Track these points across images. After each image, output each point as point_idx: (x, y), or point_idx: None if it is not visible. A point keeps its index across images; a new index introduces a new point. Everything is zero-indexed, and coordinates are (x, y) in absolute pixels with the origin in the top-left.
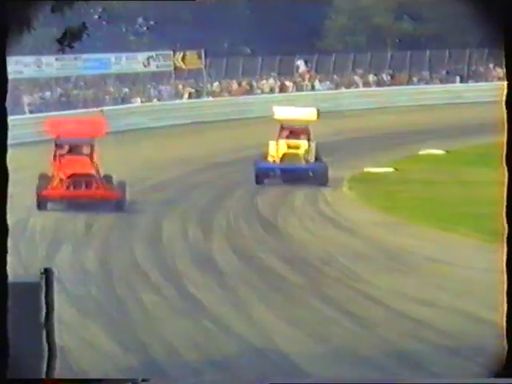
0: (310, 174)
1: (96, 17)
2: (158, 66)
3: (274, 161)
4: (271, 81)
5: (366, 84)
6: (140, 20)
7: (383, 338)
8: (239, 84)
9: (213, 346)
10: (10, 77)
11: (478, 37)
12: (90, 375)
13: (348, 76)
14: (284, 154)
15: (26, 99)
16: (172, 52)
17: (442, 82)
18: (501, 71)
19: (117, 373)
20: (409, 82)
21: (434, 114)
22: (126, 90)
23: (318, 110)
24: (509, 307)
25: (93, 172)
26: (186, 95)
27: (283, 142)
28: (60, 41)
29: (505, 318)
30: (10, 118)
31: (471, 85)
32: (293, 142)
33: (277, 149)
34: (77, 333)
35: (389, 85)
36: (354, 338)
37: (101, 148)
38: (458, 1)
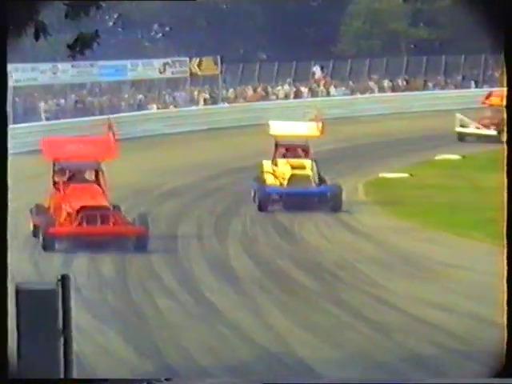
0: (324, 197)
1: (111, 23)
2: (173, 73)
3: (281, 184)
4: (286, 87)
5: (381, 89)
6: (155, 26)
7: (398, 342)
8: (254, 90)
9: (228, 351)
10: (25, 84)
11: (493, 42)
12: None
13: (363, 82)
14: (292, 176)
15: (42, 106)
16: (188, 58)
17: (457, 87)
18: None
19: (132, 374)
20: (424, 87)
21: (449, 120)
22: (141, 96)
23: (322, 124)
24: (509, 307)
25: (107, 204)
26: (202, 101)
27: (284, 162)
28: (71, 47)
29: (505, 318)
30: (27, 125)
31: (486, 90)
32: (296, 161)
33: (274, 170)
34: (93, 339)
35: (404, 90)
36: (370, 342)
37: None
38: (467, 5)
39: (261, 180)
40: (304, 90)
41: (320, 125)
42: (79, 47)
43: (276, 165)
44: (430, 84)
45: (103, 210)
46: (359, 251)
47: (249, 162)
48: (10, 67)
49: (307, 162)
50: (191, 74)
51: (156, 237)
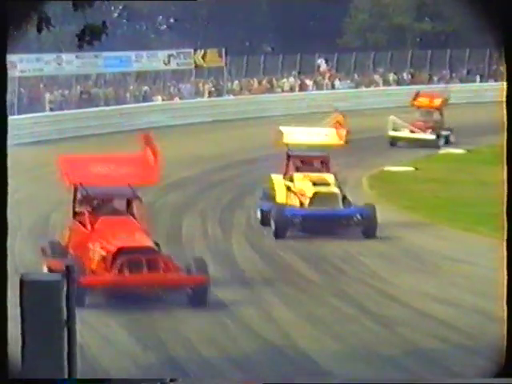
0: (355, 219)
1: (116, 15)
2: (178, 64)
3: (302, 204)
4: (291, 79)
5: (386, 83)
6: (160, 18)
7: (403, 336)
8: (259, 82)
9: (231, 343)
10: (30, 74)
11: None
12: (110, 372)
13: (368, 75)
14: (315, 194)
15: (47, 97)
16: (193, 50)
17: (462, 81)
18: None
19: (136, 370)
20: (429, 81)
21: (454, 113)
22: (146, 88)
23: (345, 130)
24: (509, 307)
25: (151, 243)
26: (207, 93)
27: (301, 176)
28: (79, 37)
29: (505, 318)
30: (31, 116)
31: (491, 84)
32: (316, 175)
33: (290, 187)
34: (96, 330)
35: (409, 84)
36: (373, 336)
37: (119, 147)
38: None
39: (271, 198)
40: (309, 82)
41: (343, 131)
42: (88, 37)
43: (291, 180)
44: (434, 78)
45: (149, 252)
46: (363, 245)
47: (253, 155)
48: (14, 57)
49: (329, 177)
50: (196, 65)
51: (160, 227)
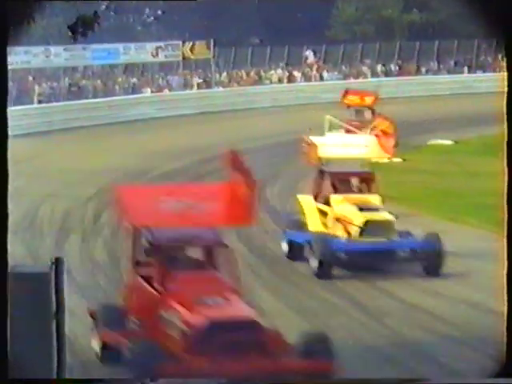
0: (416, 252)
1: (104, 7)
2: (166, 56)
3: (349, 234)
4: (279, 71)
5: (375, 74)
6: (147, 10)
7: (390, 327)
8: (247, 74)
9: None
10: (18, 67)
11: (487, 26)
12: (97, 366)
13: (356, 66)
14: (368, 223)
15: (36, 89)
16: (181, 42)
17: (449, 72)
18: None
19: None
20: (417, 72)
21: (442, 105)
22: (135, 80)
23: (393, 139)
24: (509, 307)
25: (255, 314)
26: (195, 85)
27: (340, 199)
28: (72, 29)
29: (505, 318)
30: (19, 108)
31: (479, 75)
32: (360, 198)
33: (328, 212)
34: (84, 323)
35: (396, 75)
36: (362, 327)
37: (108, 139)
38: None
39: (302, 226)
40: (297, 74)
41: (390, 142)
42: (80, 29)
43: (327, 203)
44: (422, 69)
45: (252, 326)
46: None
47: (242, 146)
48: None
49: (375, 199)
50: (184, 57)
51: None
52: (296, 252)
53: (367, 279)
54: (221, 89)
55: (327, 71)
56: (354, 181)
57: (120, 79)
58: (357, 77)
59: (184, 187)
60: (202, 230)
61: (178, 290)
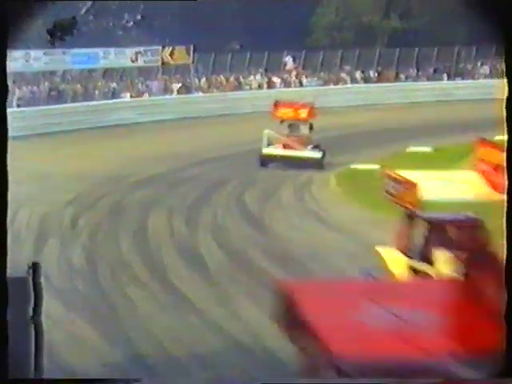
0: None
1: (83, 11)
2: (145, 61)
3: None
4: (258, 77)
5: (354, 81)
6: (127, 15)
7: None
8: (227, 80)
9: (198, 340)
10: None
11: (466, 34)
12: (76, 370)
13: (336, 73)
14: None
15: (16, 93)
16: (161, 47)
17: (429, 79)
18: (488, 69)
19: (102, 367)
20: (396, 79)
21: (421, 112)
22: (115, 84)
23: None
24: (508, 307)
25: None
26: (175, 90)
27: (444, 257)
28: (50, 33)
29: (504, 319)
30: None
31: (458, 82)
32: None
33: (415, 270)
34: (63, 328)
35: (376, 82)
36: None
37: (87, 144)
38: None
39: None
40: (276, 80)
41: (501, 178)
42: (59, 33)
43: (427, 259)
44: (402, 76)
45: None
46: (330, 242)
47: (222, 152)
48: None
49: None
50: (163, 63)
51: (127, 225)
52: None
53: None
54: (200, 94)
55: (306, 77)
56: (451, 229)
57: (100, 83)
58: (336, 83)
59: (383, 284)
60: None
61: None
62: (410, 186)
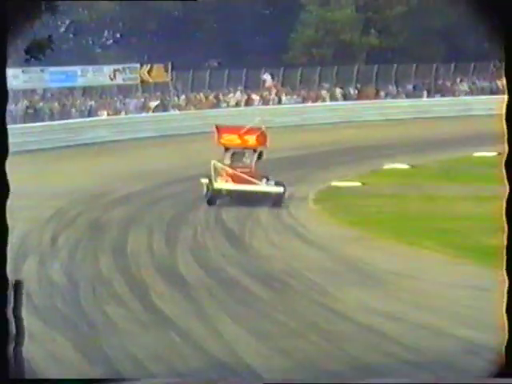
0: None
1: (63, 29)
2: (124, 79)
3: None
4: (238, 94)
5: (333, 98)
6: (106, 33)
7: (348, 352)
8: (206, 97)
9: (177, 357)
10: None
11: (445, 51)
12: None
13: (315, 90)
14: None
15: None
16: (139, 65)
17: (408, 96)
18: (467, 86)
19: None
20: (375, 96)
21: (400, 129)
22: (92, 102)
23: None
24: (508, 307)
25: None
26: (152, 108)
27: None
28: (27, 51)
29: (505, 319)
30: None
31: (437, 99)
32: None
33: None
34: (43, 345)
35: (355, 99)
36: (319, 351)
37: (65, 161)
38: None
39: None
40: (255, 97)
41: None
42: (35, 52)
43: None
44: (381, 93)
45: None
46: (309, 260)
47: (199, 170)
48: None
49: None
50: (142, 81)
51: (106, 243)
52: None
53: (324, 302)
54: (177, 112)
55: (286, 94)
56: None
57: (78, 101)
58: (315, 100)
59: None
60: None
61: None
62: None
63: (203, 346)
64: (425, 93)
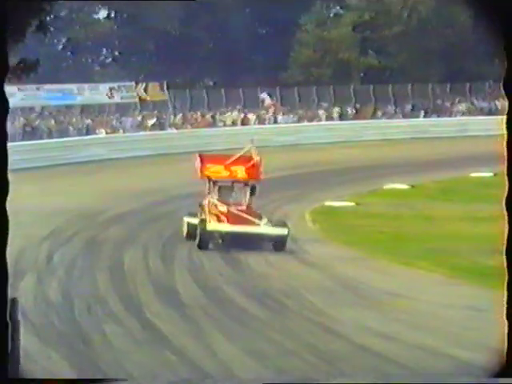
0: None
1: (60, 47)
2: (122, 98)
3: None
4: (235, 113)
5: (330, 117)
6: (104, 51)
7: (344, 371)
8: (203, 116)
9: (173, 376)
10: None
11: (443, 71)
12: None
13: (312, 109)
14: None
15: None
16: (134, 83)
17: (405, 116)
18: (465, 106)
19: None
20: (373, 115)
21: (398, 149)
22: (89, 121)
23: None
24: (508, 307)
25: None
26: (149, 127)
27: None
28: (13, 71)
29: (505, 319)
30: None
31: (435, 119)
32: None
33: None
34: (39, 363)
35: (353, 118)
36: (315, 371)
37: (62, 180)
38: (425, 35)
39: None
40: (252, 117)
41: None
42: (21, 71)
43: None
44: (379, 112)
45: None
46: (305, 279)
47: (195, 189)
48: None
49: None
50: (140, 99)
51: (102, 261)
52: None
53: (320, 322)
54: (174, 131)
55: (283, 114)
56: None
57: (74, 120)
58: (312, 119)
59: None
60: None
61: None
62: None
63: (199, 365)
64: (422, 112)
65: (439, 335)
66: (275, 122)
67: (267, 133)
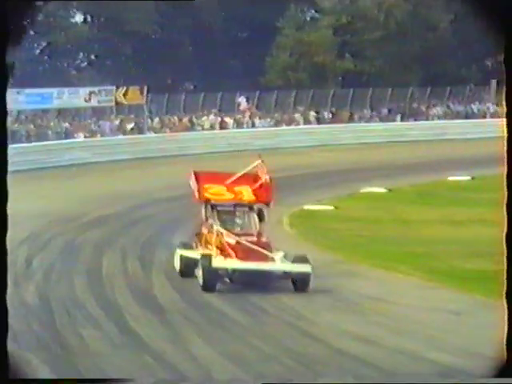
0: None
1: (38, 51)
2: (99, 102)
3: None
4: (212, 117)
5: (307, 121)
6: (81, 55)
7: (323, 375)
8: (180, 120)
9: (152, 381)
10: None
11: (420, 75)
12: None
13: (289, 113)
14: None
15: None
16: (115, 87)
17: (382, 120)
18: (441, 110)
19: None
20: (350, 119)
21: (376, 152)
22: (67, 124)
23: None
24: (509, 307)
25: None
26: (128, 131)
27: None
28: None
29: (505, 319)
30: None
31: (412, 123)
32: None
33: None
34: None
35: (329, 122)
36: (294, 375)
37: (41, 183)
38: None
39: None
40: (229, 120)
41: None
42: None
43: None
44: (355, 116)
45: None
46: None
47: (174, 193)
48: None
49: None
50: (116, 103)
51: (80, 265)
52: None
53: (299, 326)
54: (152, 134)
55: (260, 118)
56: None
57: (52, 124)
58: (289, 123)
59: None
60: None
61: None
62: None
63: (178, 369)
64: (398, 116)
65: (417, 339)
66: (253, 125)
67: (245, 137)
